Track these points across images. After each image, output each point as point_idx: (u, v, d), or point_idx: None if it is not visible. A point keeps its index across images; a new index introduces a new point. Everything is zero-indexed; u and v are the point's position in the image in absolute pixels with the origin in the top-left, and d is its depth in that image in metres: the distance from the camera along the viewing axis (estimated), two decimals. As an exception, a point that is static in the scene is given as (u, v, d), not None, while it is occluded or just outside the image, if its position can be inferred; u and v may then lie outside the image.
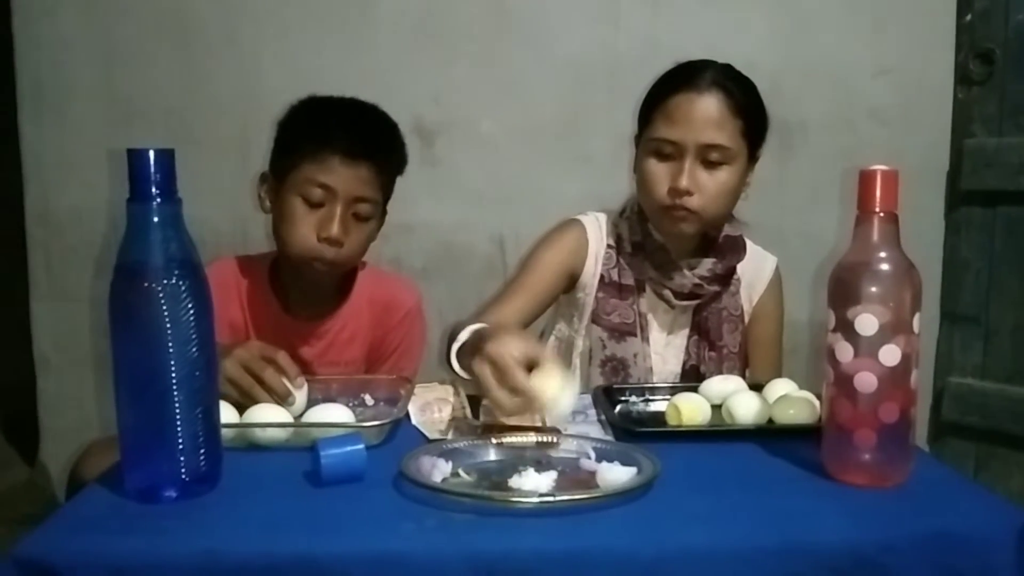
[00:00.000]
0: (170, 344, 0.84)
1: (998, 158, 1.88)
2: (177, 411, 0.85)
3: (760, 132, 1.41)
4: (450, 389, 1.25)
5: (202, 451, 0.87)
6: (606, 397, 1.22)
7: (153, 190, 0.84)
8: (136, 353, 0.85)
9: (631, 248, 1.46)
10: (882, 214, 0.90)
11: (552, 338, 1.54)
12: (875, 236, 0.91)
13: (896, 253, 0.91)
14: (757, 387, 1.21)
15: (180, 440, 0.86)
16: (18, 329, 2.03)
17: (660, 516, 0.84)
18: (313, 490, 0.90)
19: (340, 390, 1.23)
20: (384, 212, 1.47)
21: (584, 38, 1.94)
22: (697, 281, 1.44)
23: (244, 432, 1.03)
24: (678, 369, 1.49)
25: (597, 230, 1.51)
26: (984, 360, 1.95)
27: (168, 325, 0.84)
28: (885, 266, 0.90)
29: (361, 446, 0.91)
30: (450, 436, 1.07)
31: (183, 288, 0.85)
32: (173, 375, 0.84)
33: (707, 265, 1.45)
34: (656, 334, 1.49)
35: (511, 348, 1.01)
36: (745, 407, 1.13)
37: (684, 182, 1.34)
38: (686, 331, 1.50)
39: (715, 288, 1.46)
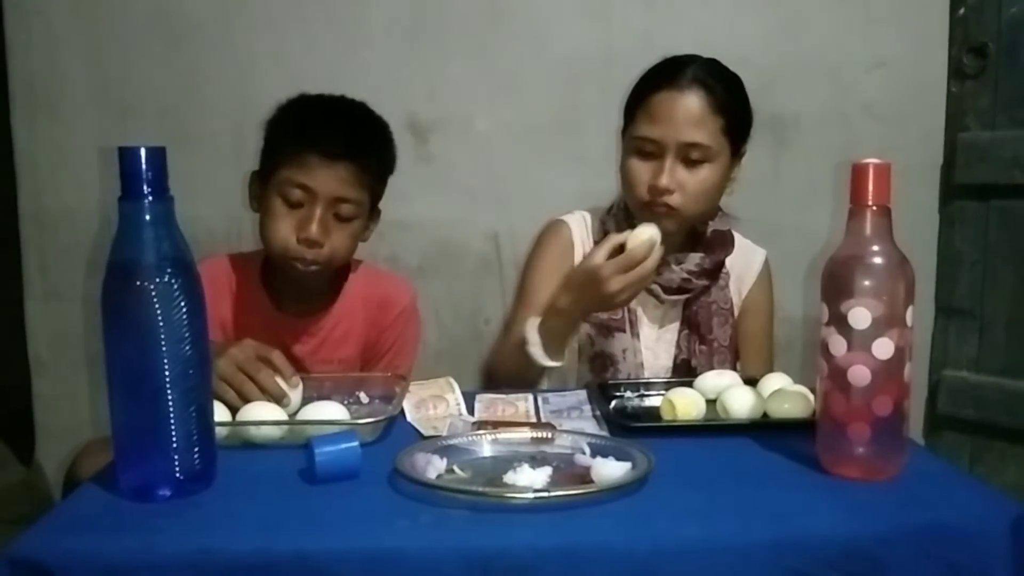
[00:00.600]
0: (163, 343, 0.84)
1: (992, 152, 1.88)
2: (171, 410, 0.85)
3: (743, 129, 1.41)
4: (445, 386, 1.25)
5: (196, 449, 0.87)
6: (600, 392, 1.22)
7: (145, 188, 0.84)
8: (129, 352, 0.85)
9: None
10: (875, 208, 0.91)
11: None
12: (868, 230, 0.91)
13: (889, 246, 0.91)
14: (751, 382, 1.21)
15: (174, 439, 0.86)
16: (12, 329, 2.03)
17: (655, 511, 0.84)
18: (308, 488, 0.90)
19: (335, 388, 1.23)
20: (377, 211, 1.47)
21: (578, 35, 1.94)
22: (685, 276, 1.45)
23: (238, 430, 1.03)
24: (669, 363, 1.49)
25: (582, 229, 1.52)
26: (979, 353, 1.96)
27: (161, 324, 0.84)
28: (878, 259, 0.90)
29: (356, 443, 0.91)
30: (445, 433, 1.07)
31: (176, 286, 0.85)
32: (166, 374, 0.84)
33: (695, 260, 1.45)
34: (646, 329, 1.49)
35: (599, 253, 1.22)
36: (739, 402, 1.13)
37: (664, 180, 1.35)
38: (676, 325, 1.50)
39: (703, 282, 1.47)
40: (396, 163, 1.48)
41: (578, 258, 1.50)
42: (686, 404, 1.12)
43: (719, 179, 1.39)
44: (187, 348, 0.85)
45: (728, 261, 1.50)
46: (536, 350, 1.30)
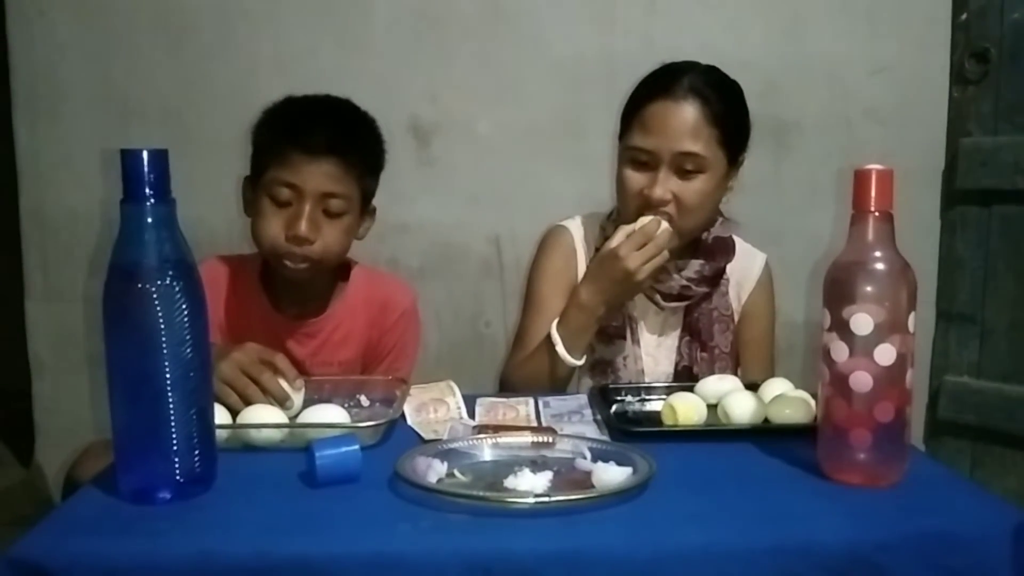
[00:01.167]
0: (164, 345, 0.84)
1: (994, 157, 1.88)
2: (171, 412, 0.85)
3: (740, 139, 1.40)
4: (446, 389, 1.25)
5: (197, 452, 0.87)
6: (602, 397, 1.22)
7: (147, 191, 0.84)
8: (130, 354, 0.85)
9: None
10: (877, 213, 0.91)
11: None
12: (870, 235, 0.91)
13: (891, 252, 0.91)
14: (753, 387, 1.21)
15: (174, 441, 0.85)
16: (13, 330, 2.03)
17: (656, 516, 0.84)
18: (308, 491, 0.90)
19: (335, 391, 1.23)
20: (372, 209, 1.47)
21: (580, 38, 1.94)
22: (685, 283, 1.44)
23: (239, 433, 1.03)
24: (670, 370, 1.49)
25: (583, 235, 1.51)
26: (980, 359, 1.96)
27: (162, 326, 0.84)
28: (880, 265, 0.90)
29: (356, 447, 0.91)
30: (445, 437, 1.06)
31: (177, 289, 0.84)
32: (167, 376, 0.84)
33: (695, 267, 1.45)
34: (647, 336, 1.49)
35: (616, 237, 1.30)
36: (741, 407, 1.13)
37: (658, 191, 1.34)
38: (677, 332, 1.50)
39: (703, 289, 1.46)
40: (385, 158, 1.47)
41: (581, 263, 1.50)
42: (687, 409, 1.12)
43: (714, 189, 1.37)
44: (188, 351, 0.85)
45: (728, 267, 1.50)
46: (562, 349, 1.34)
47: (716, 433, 1.12)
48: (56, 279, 1.99)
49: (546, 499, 0.85)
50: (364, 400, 1.23)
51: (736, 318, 1.53)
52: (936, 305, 2.00)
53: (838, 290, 0.92)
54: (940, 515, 0.86)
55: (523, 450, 1.00)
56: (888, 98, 1.95)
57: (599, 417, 1.17)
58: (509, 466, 0.94)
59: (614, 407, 1.20)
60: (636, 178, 1.37)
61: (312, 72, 1.84)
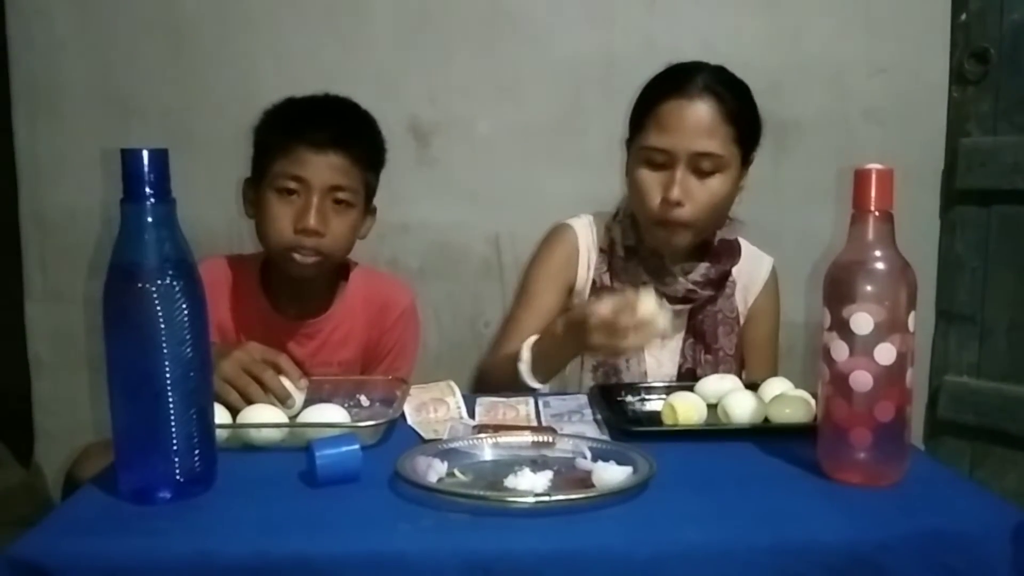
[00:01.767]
0: (164, 345, 0.84)
1: (993, 157, 1.88)
2: (171, 412, 0.85)
3: (753, 137, 1.40)
4: (446, 389, 1.25)
5: (196, 452, 0.87)
6: (602, 396, 1.22)
7: (147, 190, 0.83)
8: (130, 354, 0.85)
9: (624, 252, 1.46)
10: (877, 213, 0.91)
11: None
12: (870, 235, 0.91)
13: (891, 252, 0.91)
14: (753, 386, 1.21)
15: (174, 441, 0.85)
16: (12, 330, 2.03)
17: (656, 516, 0.84)
18: (308, 491, 0.90)
19: (335, 390, 1.23)
20: (372, 209, 1.47)
21: (580, 38, 1.94)
22: (691, 286, 1.44)
23: (239, 433, 1.03)
24: (674, 372, 1.49)
25: (588, 235, 1.50)
26: (979, 359, 1.96)
27: (162, 326, 0.84)
28: (880, 265, 0.90)
29: (356, 446, 0.91)
30: (445, 436, 1.06)
31: (177, 289, 0.84)
32: (167, 376, 0.84)
33: (701, 270, 1.44)
34: None
35: (605, 305, 1.17)
36: (741, 406, 1.13)
37: (676, 193, 1.33)
38: (681, 334, 1.49)
39: (709, 292, 1.46)
40: (386, 156, 1.49)
41: (582, 263, 1.49)
42: (687, 408, 1.12)
43: (729, 189, 1.37)
44: (188, 350, 0.85)
45: (735, 270, 1.49)
46: (524, 367, 1.31)
47: (716, 433, 1.12)
48: (56, 279, 1.99)
49: (546, 498, 0.85)
50: (364, 400, 1.23)
51: (741, 320, 1.53)
52: (936, 305, 2.00)
53: (838, 289, 0.92)
54: (940, 514, 0.86)
55: (523, 450, 1.00)
56: (888, 98, 1.95)
57: (599, 417, 1.17)
58: (509, 465, 0.94)
59: (614, 407, 1.20)
60: (652, 178, 1.36)
61: (312, 72, 1.84)
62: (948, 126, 1.96)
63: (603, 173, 1.88)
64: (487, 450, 1.00)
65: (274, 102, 1.45)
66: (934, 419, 2.01)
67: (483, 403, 1.23)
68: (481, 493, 0.87)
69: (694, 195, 1.34)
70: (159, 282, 0.84)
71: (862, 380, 0.90)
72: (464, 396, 1.23)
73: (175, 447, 0.86)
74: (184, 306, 0.85)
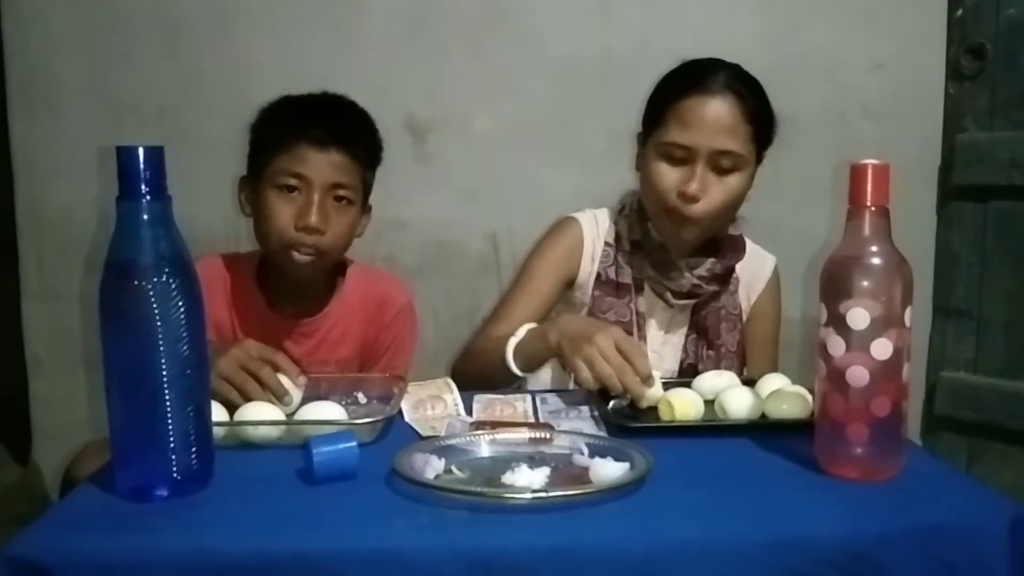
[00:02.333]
0: (161, 342, 0.84)
1: (990, 153, 1.88)
2: (168, 410, 0.85)
3: (769, 136, 1.40)
4: (443, 386, 1.25)
5: (194, 449, 0.87)
6: (599, 392, 1.22)
7: (142, 188, 0.83)
8: (127, 352, 0.85)
9: (630, 246, 1.46)
10: (873, 208, 0.91)
11: None
12: (866, 230, 0.91)
13: (887, 247, 0.91)
14: (750, 382, 1.21)
15: (171, 439, 0.85)
16: (9, 329, 2.02)
17: (653, 511, 0.84)
18: (306, 488, 0.90)
19: (332, 388, 1.23)
20: (368, 207, 1.47)
21: (576, 34, 1.94)
22: (696, 281, 1.44)
23: (236, 430, 1.03)
24: (675, 368, 1.49)
25: (594, 228, 1.50)
26: (977, 354, 1.96)
27: (159, 323, 0.84)
28: (876, 260, 0.90)
29: (354, 444, 0.91)
30: (443, 433, 1.06)
31: (173, 286, 0.84)
32: (164, 373, 0.84)
33: (706, 265, 1.44)
34: (653, 332, 1.48)
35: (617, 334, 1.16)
36: (738, 402, 1.13)
37: (695, 187, 1.33)
38: (684, 330, 1.49)
39: (714, 288, 1.46)
40: (385, 156, 1.49)
41: (586, 256, 1.48)
42: (684, 405, 1.12)
43: (745, 188, 1.37)
44: (185, 348, 0.85)
45: (738, 266, 1.49)
46: (511, 350, 1.28)
47: (713, 429, 1.12)
48: (52, 278, 1.99)
49: (544, 495, 0.85)
50: (361, 397, 1.23)
51: (744, 318, 1.53)
52: (933, 301, 2.00)
53: (835, 285, 0.92)
54: (937, 509, 0.87)
55: (520, 446, 1.00)
56: (884, 94, 1.95)
57: (596, 413, 1.17)
58: (507, 462, 0.94)
59: (611, 403, 1.20)
60: (671, 173, 1.36)
61: (308, 69, 1.84)
62: (945, 122, 1.96)
63: (600, 169, 1.89)
64: (484, 447, 1.00)
65: (271, 100, 1.45)
66: (931, 415, 2.01)
67: (480, 400, 1.23)
68: (478, 490, 0.87)
69: (711, 191, 1.34)
70: (155, 280, 0.84)
71: (859, 375, 0.90)
72: (461, 393, 1.23)
73: (172, 445, 0.85)
74: (181, 304, 0.85)
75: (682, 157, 1.35)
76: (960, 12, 1.92)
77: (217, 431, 0.96)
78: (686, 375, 1.45)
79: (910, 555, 0.80)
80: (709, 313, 1.48)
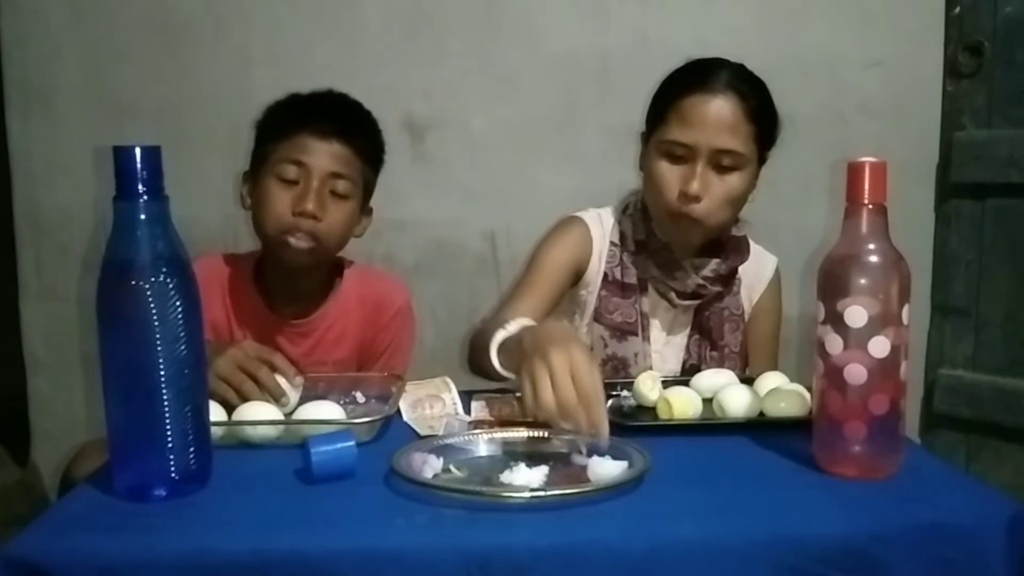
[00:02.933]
0: (158, 342, 0.84)
1: (987, 150, 1.88)
2: (166, 409, 0.85)
3: (772, 136, 1.40)
4: (441, 385, 1.25)
5: (192, 449, 0.87)
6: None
7: (140, 188, 0.83)
8: (124, 352, 0.85)
9: (634, 247, 1.45)
10: (871, 206, 0.91)
11: None
12: (864, 228, 0.91)
13: (885, 245, 0.91)
14: (748, 380, 1.21)
15: (169, 439, 0.85)
16: (7, 329, 2.02)
17: (652, 510, 0.84)
18: (304, 487, 0.90)
19: (331, 387, 1.23)
20: (369, 209, 1.47)
21: (575, 33, 1.94)
22: (701, 282, 1.43)
23: (234, 430, 1.03)
24: (678, 368, 1.48)
25: (599, 227, 1.49)
26: (975, 352, 1.96)
27: (156, 323, 0.83)
28: (874, 258, 0.90)
29: (352, 443, 0.91)
30: (441, 432, 1.06)
31: (171, 286, 0.84)
32: (162, 373, 0.84)
33: (711, 266, 1.44)
34: (656, 333, 1.48)
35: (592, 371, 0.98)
36: (736, 400, 1.13)
37: (695, 187, 1.32)
38: (686, 330, 1.49)
39: (717, 289, 1.46)
40: (385, 157, 1.49)
41: (595, 255, 1.48)
42: (682, 403, 1.12)
43: (747, 188, 1.37)
44: (182, 348, 0.85)
45: (741, 267, 1.49)
46: (495, 348, 1.20)
47: (711, 427, 1.12)
48: (50, 278, 1.99)
49: (542, 494, 0.85)
50: (360, 396, 1.23)
51: (746, 318, 1.53)
52: (931, 299, 2.00)
53: (832, 283, 0.92)
54: (935, 507, 0.87)
55: (519, 445, 1.00)
56: (882, 92, 1.95)
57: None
58: (505, 461, 0.94)
59: (609, 401, 1.19)
60: (672, 172, 1.35)
61: (306, 69, 1.84)
62: (942, 119, 1.96)
63: (599, 168, 1.89)
64: (483, 446, 1.00)
65: (276, 98, 1.45)
66: (929, 412, 2.01)
67: (479, 399, 1.23)
68: (477, 489, 0.87)
69: (712, 190, 1.34)
70: (153, 280, 0.84)
71: (856, 373, 0.90)
72: (460, 392, 1.23)
73: (170, 445, 0.85)
74: (178, 304, 0.85)
75: (683, 155, 1.34)
76: (958, 10, 1.92)
77: (215, 431, 0.96)
78: (688, 375, 1.44)
79: (908, 553, 0.80)
80: (712, 314, 1.48)
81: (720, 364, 1.45)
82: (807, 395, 1.11)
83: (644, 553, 0.78)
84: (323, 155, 1.36)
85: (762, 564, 0.79)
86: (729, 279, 1.48)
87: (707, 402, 1.16)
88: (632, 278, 1.45)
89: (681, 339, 1.49)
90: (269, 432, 1.03)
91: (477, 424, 1.08)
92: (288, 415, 1.08)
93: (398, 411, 1.14)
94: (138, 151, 0.83)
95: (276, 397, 1.10)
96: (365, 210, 1.47)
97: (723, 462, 0.98)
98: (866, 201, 0.91)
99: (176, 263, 0.85)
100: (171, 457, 0.86)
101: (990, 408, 1.92)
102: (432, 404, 1.19)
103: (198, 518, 0.83)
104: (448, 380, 1.26)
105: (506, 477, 0.90)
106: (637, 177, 1.46)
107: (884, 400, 0.90)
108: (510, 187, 1.96)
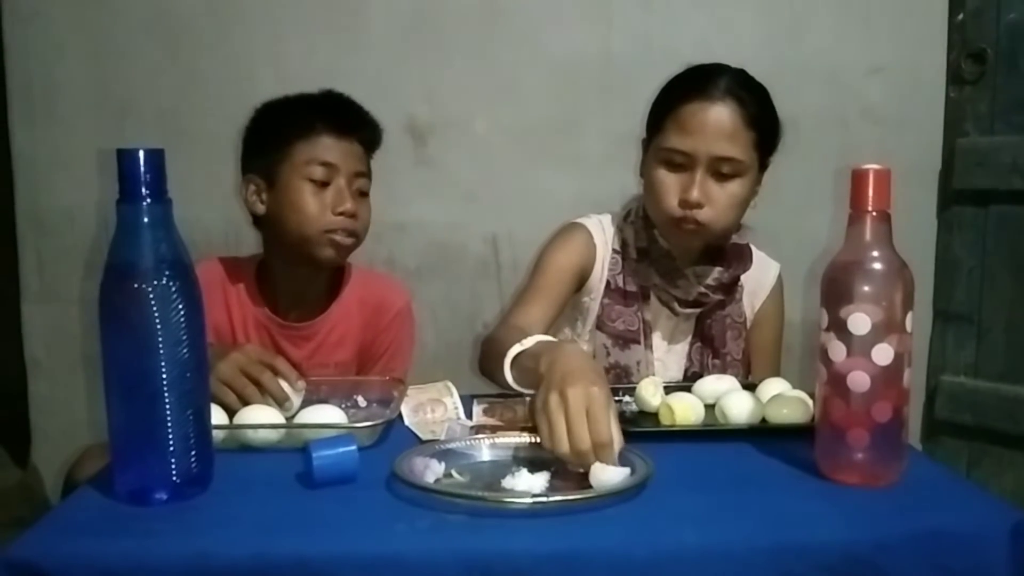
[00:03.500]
0: (160, 345, 0.84)
1: (990, 157, 1.88)
2: (168, 413, 0.85)
3: (773, 142, 1.39)
4: (443, 390, 1.25)
5: (193, 453, 0.87)
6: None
7: (143, 190, 0.83)
8: (126, 354, 0.85)
9: (636, 254, 1.45)
10: (875, 213, 0.91)
11: None
12: (868, 235, 0.91)
13: (889, 252, 0.91)
14: (750, 387, 1.21)
15: (171, 442, 0.85)
16: (9, 331, 2.02)
17: (653, 516, 0.84)
18: (305, 491, 0.90)
19: (332, 391, 1.23)
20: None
21: (577, 37, 1.94)
22: (703, 290, 1.43)
23: (235, 433, 1.03)
24: (680, 376, 1.48)
25: (601, 234, 1.49)
26: (977, 359, 1.96)
27: (158, 326, 0.83)
28: (878, 265, 0.90)
29: (353, 447, 0.91)
30: (443, 437, 1.06)
31: (173, 289, 0.84)
32: (164, 376, 0.84)
33: (714, 274, 1.43)
34: (658, 340, 1.48)
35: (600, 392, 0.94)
36: (738, 407, 1.13)
37: (695, 194, 1.32)
38: (688, 338, 1.49)
39: (720, 297, 1.45)
40: (383, 158, 1.52)
41: (599, 261, 1.47)
42: (684, 409, 1.12)
43: (747, 194, 1.36)
44: (184, 351, 0.85)
45: (743, 275, 1.49)
46: (509, 357, 1.15)
47: (714, 433, 1.12)
48: (52, 280, 1.98)
49: (544, 499, 0.85)
50: (361, 401, 1.23)
51: (748, 326, 1.53)
52: (933, 305, 2.00)
53: (836, 290, 0.92)
54: (938, 515, 0.86)
55: (521, 450, 1.00)
56: (885, 98, 1.95)
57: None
58: (507, 466, 0.94)
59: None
60: (671, 180, 1.35)
61: (308, 72, 1.84)
62: (945, 126, 1.96)
63: (600, 172, 1.89)
64: (484, 451, 1.00)
65: (266, 100, 1.45)
66: (931, 419, 2.01)
67: (481, 403, 1.23)
68: (478, 494, 0.87)
69: (712, 198, 1.33)
70: (155, 282, 0.84)
71: (860, 380, 0.90)
72: (461, 397, 1.23)
73: (171, 448, 0.85)
74: (180, 306, 0.85)
75: (682, 163, 1.34)
76: (961, 17, 1.92)
77: (217, 434, 0.96)
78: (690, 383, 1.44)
79: (911, 561, 0.80)
80: (714, 322, 1.47)
81: (722, 371, 1.45)
82: (810, 402, 1.11)
83: (646, 560, 0.78)
84: (347, 154, 1.39)
85: (764, 571, 0.79)
86: (731, 287, 1.47)
87: (709, 408, 1.16)
88: (634, 286, 1.45)
89: (683, 347, 1.49)
90: (270, 436, 1.03)
91: (479, 429, 1.08)
92: (290, 419, 1.08)
93: (400, 415, 1.14)
94: (141, 154, 0.83)
95: (279, 401, 1.10)
96: None
97: (725, 468, 0.98)
98: (870, 208, 0.90)
99: (179, 266, 0.85)
100: (172, 460, 0.86)
101: (992, 415, 1.92)
102: (434, 408, 1.19)
103: (199, 522, 0.83)
104: (450, 384, 1.26)
105: (508, 482, 0.90)
106: (638, 182, 1.46)
107: (887, 408, 0.90)
108: (512, 190, 1.96)
